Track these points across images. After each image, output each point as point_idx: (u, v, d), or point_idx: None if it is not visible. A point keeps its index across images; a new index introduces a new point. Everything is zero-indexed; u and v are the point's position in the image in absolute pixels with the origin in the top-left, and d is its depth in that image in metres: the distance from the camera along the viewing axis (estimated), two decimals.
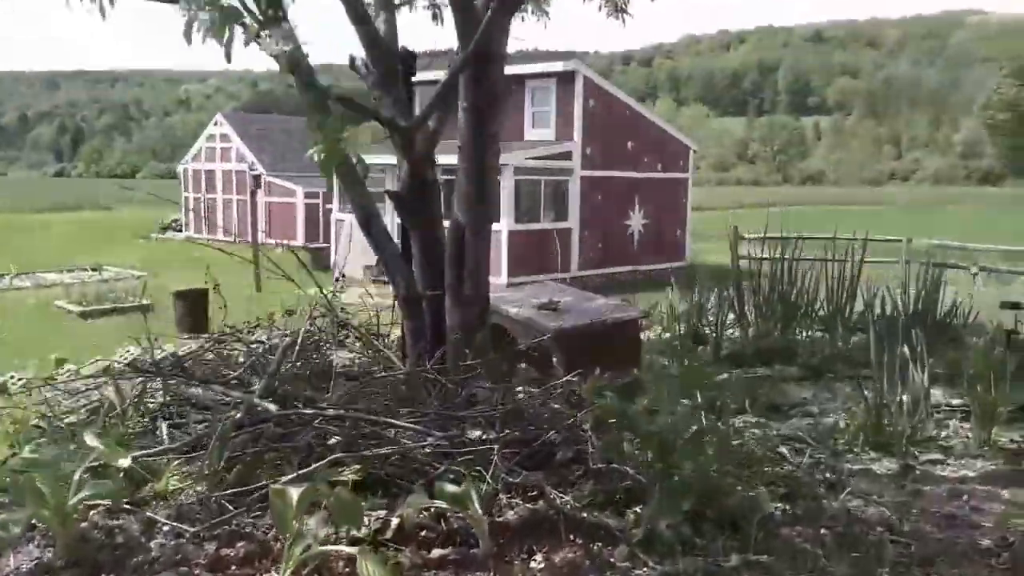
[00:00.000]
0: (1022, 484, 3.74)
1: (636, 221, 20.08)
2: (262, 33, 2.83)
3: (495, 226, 17.81)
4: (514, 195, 17.81)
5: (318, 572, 2.56)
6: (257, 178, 17.17)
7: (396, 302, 4.55)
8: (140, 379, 3.88)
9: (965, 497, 3.57)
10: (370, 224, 4.14)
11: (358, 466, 3.01)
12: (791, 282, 6.11)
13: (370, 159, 4.69)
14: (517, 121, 18.61)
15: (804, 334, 6.17)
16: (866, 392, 4.33)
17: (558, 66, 18.59)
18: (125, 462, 2.90)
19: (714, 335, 5.93)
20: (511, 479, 3.12)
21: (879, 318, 6.26)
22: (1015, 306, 5.43)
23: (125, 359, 5.94)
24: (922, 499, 3.53)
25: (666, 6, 4.52)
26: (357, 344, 4.92)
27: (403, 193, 4.25)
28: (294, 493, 2.47)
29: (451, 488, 2.72)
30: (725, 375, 5.37)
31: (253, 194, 17.98)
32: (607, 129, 19.23)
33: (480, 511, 2.70)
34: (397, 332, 4.88)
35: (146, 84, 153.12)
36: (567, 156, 18.63)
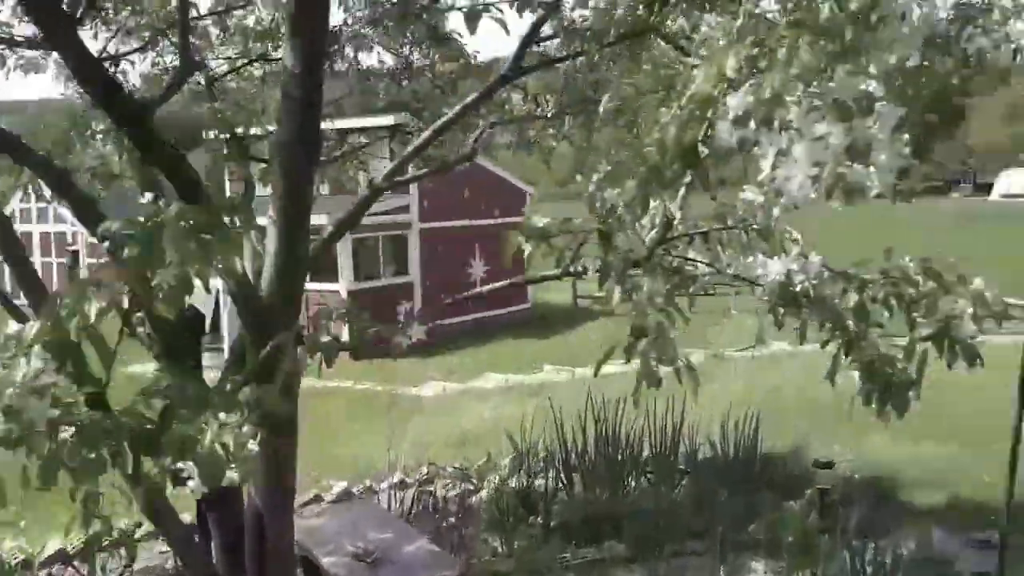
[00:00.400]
0: None
1: (478, 269, 20.07)
2: None
3: (333, 286, 17.55)
4: (352, 254, 17.50)
5: None
6: (75, 254, 16.14)
7: None
8: None
9: None
10: (154, 507, 3.84)
11: None
12: (615, 442, 6.12)
13: None
14: (352, 174, 18.18)
15: (633, 484, 6.18)
16: None
17: (389, 119, 18.38)
18: None
19: (543, 501, 5.87)
20: None
21: (704, 461, 6.36)
22: (827, 465, 5.60)
23: None
24: None
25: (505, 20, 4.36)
26: None
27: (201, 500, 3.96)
28: None
29: None
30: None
31: (71, 268, 16.95)
32: (443, 179, 19.04)
33: None
34: None
35: None
36: (404, 209, 18.43)
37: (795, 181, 1.44)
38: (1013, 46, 1.79)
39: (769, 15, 1.92)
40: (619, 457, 6.08)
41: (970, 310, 2.08)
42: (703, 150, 1.85)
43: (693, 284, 2.35)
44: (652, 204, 2.08)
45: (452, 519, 5.98)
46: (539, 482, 6.22)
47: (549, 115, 4.26)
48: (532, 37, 3.53)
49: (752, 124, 1.58)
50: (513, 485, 6.30)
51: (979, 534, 4.63)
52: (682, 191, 2.04)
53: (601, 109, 2.59)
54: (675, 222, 2.11)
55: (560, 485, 6.09)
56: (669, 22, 3.75)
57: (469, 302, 19.46)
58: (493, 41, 4.47)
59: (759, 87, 1.64)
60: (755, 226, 2.13)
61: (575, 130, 4.75)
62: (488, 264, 20.13)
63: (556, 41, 4.07)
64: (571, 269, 2.30)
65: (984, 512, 5.34)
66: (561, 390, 10.80)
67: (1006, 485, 3.90)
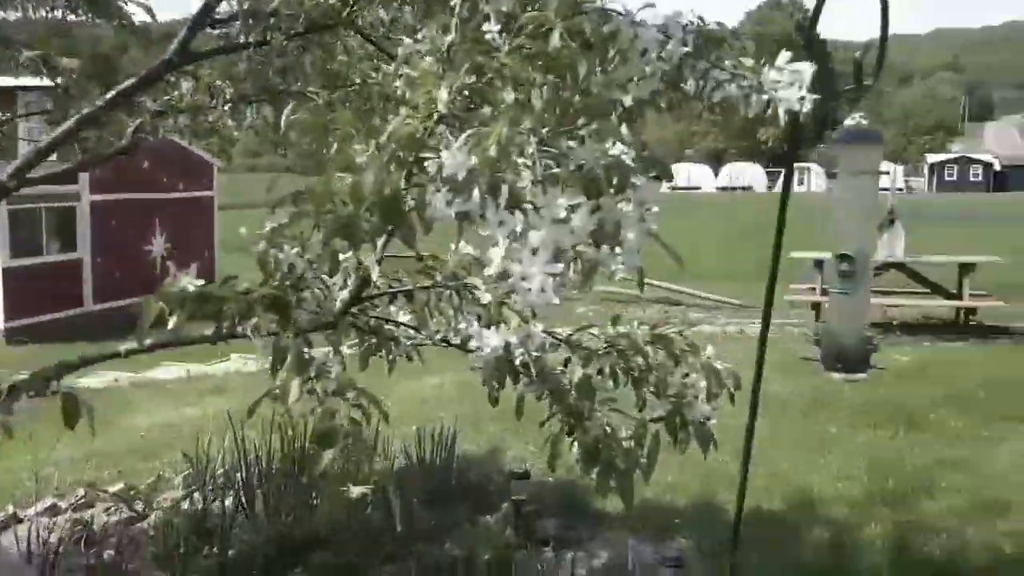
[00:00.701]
0: None
1: (158, 245, 18.51)
2: None
3: None
4: (7, 226, 15.44)
5: None
6: None
7: None
8: None
9: None
10: None
11: None
12: (305, 456, 5.60)
13: None
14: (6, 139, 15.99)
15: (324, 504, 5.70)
16: None
17: (34, 80, 16.33)
18: None
19: (220, 529, 5.24)
20: None
21: (399, 472, 6.04)
22: (523, 476, 5.47)
23: None
24: None
25: None
26: None
27: None
28: None
29: None
30: None
31: None
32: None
33: None
34: None
35: None
36: (72, 178, 16.46)
37: (535, 282, 1.08)
38: (766, 97, 1.54)
39: (489, 35, 1.54)
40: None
41: (702, 383, 1.85)
42: (408, 201, 1.44)
43: (396, 347, 1.95)
44: (343, 256, 1.65)
45: (112, 553, 5.21)
46: (218, 504, 5.57)
47: (226, 107, 3.66)
48: (203, 20, 2.94)
49: (476, 194, 1.19)
50: (186, 508, 5.62)
51: (669, 549, 4.69)
52: (381, 241, 1.62)
53: (283, 121, 2.12)
54: (373, 279, 1.70)
55: (240, 507, 5.48)
56: (366, 13, 3.32)
57: (149, 278, 17.89)
58: None
59: (481, 138, 1.25)
60: (469, 289, 1.77)
61: (260, 120, 4.19)
62: (171, 241, 18.64)
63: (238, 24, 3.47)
64: (238, 331, 1.81)
65: (670, 515, 5.47)
66: (250, 384, 10.07)
67: (737, 496, 3.80)
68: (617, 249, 1.27)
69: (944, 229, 21.10)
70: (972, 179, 72.11)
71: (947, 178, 72.66)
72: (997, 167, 73.61)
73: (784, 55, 1.58)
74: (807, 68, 1.53)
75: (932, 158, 76.00)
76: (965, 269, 11.49)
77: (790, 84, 1.52)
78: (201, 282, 1.51)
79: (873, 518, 5.47)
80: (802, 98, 1.51)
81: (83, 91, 3.08)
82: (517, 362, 1.76)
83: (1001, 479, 6.14)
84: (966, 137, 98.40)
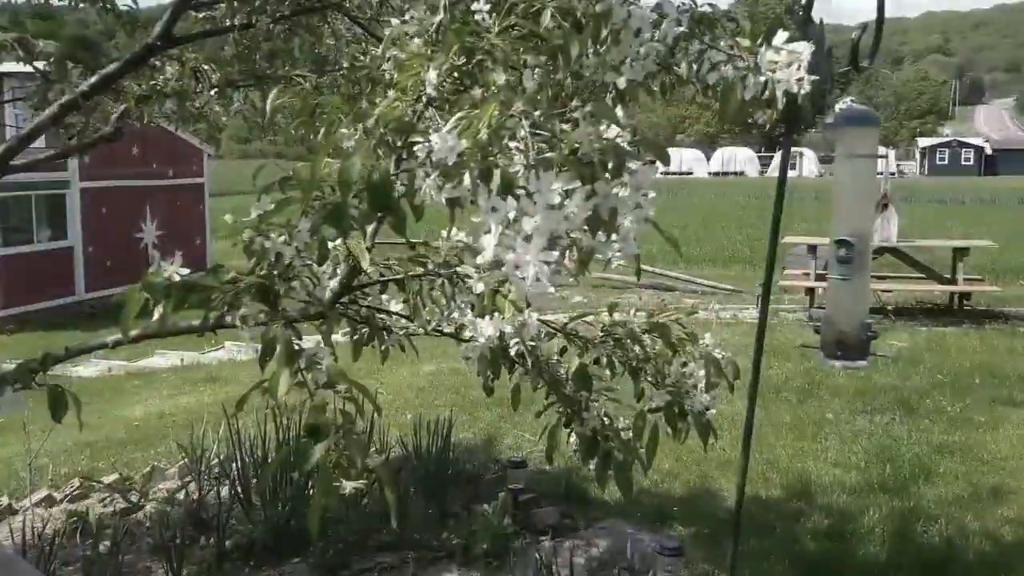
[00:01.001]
0: None
1: (150, 232, 18.41)
2: None
3: None
4: None
5: None
6: None
7: None
8: None
9: None
10: None
11: None
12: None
13: None
14: None
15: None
16: None
17: (39, 64, 16.16)
18: None
19: (217, 520, 5.21)
20: None
21: (395, 461, 6.00)
22: (519, 464, 5.43)
23: None
24: None
25: None
26: None
27: None
28: None
29: None
30: None
31: None
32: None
33: None
34: None
35: None
36: (62, 166, 16.34)
37: (529, 271, 1.03)
38: (763, 79, 1.50)
39: (479, 15, 1.49)
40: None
41: (701, 372, 1.82)
42: (398, 187, 1.39)
43: (388, 336, 1.91)
44: (333, 245, 1.61)
45: (108, 545, 5.16)
46: (213, 494, 5.54)
47: (213, 91, 3.60)
48: (186, 2, 2.89)
49: (467, 179, 1.15)
50: (182, 498, 5.59)
51: (668, 539, 4.66)
52: (371, 228, 1.58)
53: (268, 106, 2.08)
54: (363, 267, 1.66)
55: (236, 497, 5.44)
56: None
57: (141, 265, 17.75)
58: None
59: (471, 121, 1.21)
60: (462, 277, 1.73)
61: (248, 105, 4.13)
62: (162, 228, 18.53)
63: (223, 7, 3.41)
64: (226, 320, 1.77)
65: (668, 503, 5.45)
66: (244, 373, 10.03)
67: (737, 484, 3.80)
68: (613, 235, 1.23)
69: (936, 213, 21.08)
70: (963, 163, 72.25)
71: (938, 162, 72.78)
72: (988, 151, 73.72)
73: (782, 35, 1.53)
74: (806, 48, 1.49)
75: (923, 142, 76.14)
76: (959, 253, 11.47)
77: (788, 65, 1.48)
78: (187, 271, 1.47)
79: (872, 504, 5.45)
80: (801, 79, 1.47)
81: (62, 75, 3.01)
82: (512, 352, 1.72)
83: (998, 464, 6.13)
84: (957, 120, 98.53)
